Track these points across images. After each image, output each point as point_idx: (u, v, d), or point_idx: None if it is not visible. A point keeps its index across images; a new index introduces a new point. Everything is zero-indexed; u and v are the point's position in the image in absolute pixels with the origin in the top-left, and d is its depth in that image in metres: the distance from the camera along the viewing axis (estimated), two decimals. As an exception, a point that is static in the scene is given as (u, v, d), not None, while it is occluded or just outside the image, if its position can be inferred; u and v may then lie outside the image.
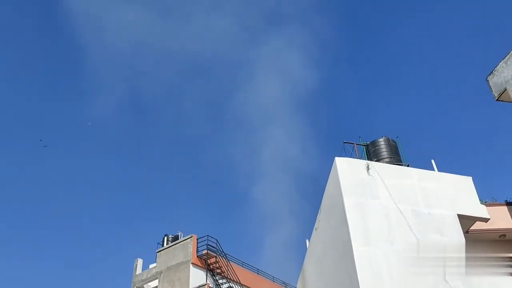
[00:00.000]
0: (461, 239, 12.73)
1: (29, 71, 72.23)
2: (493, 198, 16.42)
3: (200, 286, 23.39)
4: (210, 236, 25.73)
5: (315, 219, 17.51)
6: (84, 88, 76.52)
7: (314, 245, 17.93)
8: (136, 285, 26.98)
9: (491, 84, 12.78)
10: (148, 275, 26.62)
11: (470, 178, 14.33)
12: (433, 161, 14.96)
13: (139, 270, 27.64)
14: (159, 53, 75.12)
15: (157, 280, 25.89)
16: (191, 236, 25.61)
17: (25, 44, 72.61)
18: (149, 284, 27.19)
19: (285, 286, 31.06)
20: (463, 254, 12.46)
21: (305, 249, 21.08)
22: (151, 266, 27.38)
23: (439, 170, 14.66)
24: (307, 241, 21.09)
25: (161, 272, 25.70)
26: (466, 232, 13.46)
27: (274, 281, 30.38)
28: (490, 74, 12.75)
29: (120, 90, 78.01)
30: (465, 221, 13.40)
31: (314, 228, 17.81)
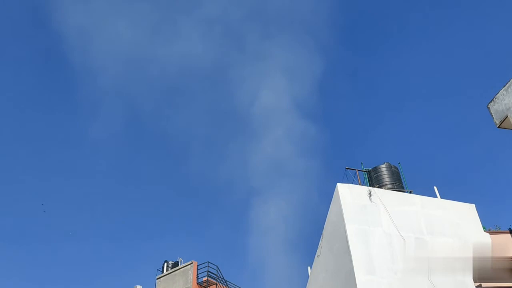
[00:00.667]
0: (466, 267, 12.58)
1: (20, 89, 72.37)
2: (496, 226, 16.32)
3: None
4: (211, 263, 25.40)
5: (317, 246, 17.33)
6: (79, 108, 76.75)
7: (316, 272, 17.67)
8: (135, 314, 26.53)
9: (492, 111, 12.81)
10: (147, 302, 26.20)
11: (473, 206, 14.26)
12: (435, 188, 14.91)
13: (138, 299, 27.23)
14: (152, 68, 75.52)
15: (155, 308, 25.45)
16: (191, 263, 25.28)
17: (17, 62, 72.97)
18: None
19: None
20: (468, 283, 12.29)
21: (307, 276, 20.78)
22: (150, 294, 26.99)
23: (441, 197, 14.61)
24: (308, 268, 20.81)
25: (160, 296, 25.30)
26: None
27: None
28: (491, 102, 12.80)
29: (115, 108, 78.20)
30: (469, 249, 13.25)
31: (316, 255, 17.59)
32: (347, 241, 12.79)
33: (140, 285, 27.87)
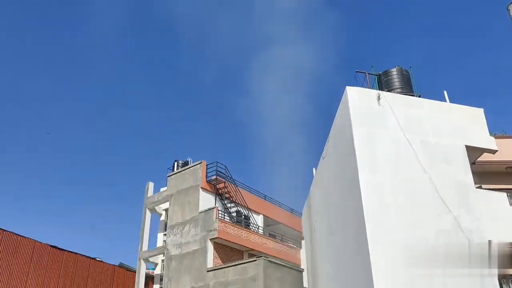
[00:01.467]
0: (468, 169, 12.87)
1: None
2: (502, 131, 16.42)
3: (209, 209, 24.19)
4: (219, 163, 26.22)
5: (323, 148, 17.67)
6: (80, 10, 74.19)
7: (321, 173, 18.23)
8: (148, 207, 27.96)
9: (511, 13, 12.28)
10: (159, 198, 27.50)
11: (481, 110, 14.19)
12: (445, 92, 14.75)
13: (150, 193, 28.52)
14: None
15: (168, 203, 26.77)
16: (201, 162, 26.09)
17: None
18: (160, 206, 28.17)
19: (292, 212, 32.06)
20: (468, 184, 12.65)
21: (311, 177, 21.49)
22: (162, 189, 28.22)
23: (451, 102, 14.51)
24: (314, 169, 21.44)
25: (171, 195, 26.50)
26: (472, 163, 13.56)
27: (280, 207, 31.33)
28: (511, 3, 12.23)
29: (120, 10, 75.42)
30: (473, 152, 13.45)
31: (321, 157, 18.01)
32: (352, 143, 12.97)
33: (152, 182, 29.08)
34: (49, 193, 67.91)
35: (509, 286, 13.63)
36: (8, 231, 21.26)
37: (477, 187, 12.92)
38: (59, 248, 23.38)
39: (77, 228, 66.76)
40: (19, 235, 21.66)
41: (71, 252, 23.99)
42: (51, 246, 23.06)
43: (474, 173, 13.08)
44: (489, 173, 14.66)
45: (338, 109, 14.96)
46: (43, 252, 22.47)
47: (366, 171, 12.52)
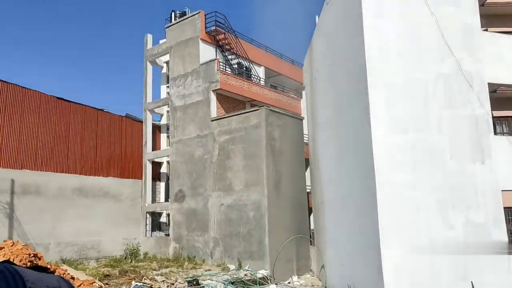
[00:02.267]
0: (476, 11, 12.47)
1: None
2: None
3: (210, 61, 24.08)
4: (218, 12, 25.30)
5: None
6: None
7: (324, 20, 17.72)
8: (149, 59, 27.80)
9: None
10: (159, 50, 27.17)
11: None
12: None
13: (149, 45, 28.09)
14: None
15: (168, 55, 26.54)
16: (199, 12, 25.17)
17: None
18: (160, 58, 28.01)
19: (292, 64, 31.96)
20: (475, 27, 12.38)
21: (314, 26, 20.95)
22: (161, 41, 27.74)
23: None
24: (316, 17, 20.80)
25: (171, 47, 26.14)
26: (481, 5, 13.08)
27: (281, 58, 31.12)
28: None
29: None
30: (483, -8, 12.91)
31: (325, 3, 17.32)
32: (358, -15, 12.36)
33: (150, 34, 28.47)
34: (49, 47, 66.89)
35: (503, 127, 14.26)
36: (13, 83, 21.49)
37: (483, 30, 12.66)
38: (65, 100, 23.87)
39: (79, 81, 67.30)
40: (24, 87, 21.94)
41: (78, 103, 24.53)
42: (57, 97, 23.51)
43: (482, 16, 12.72)
44: (498, 16, 14.23)
45: None
46: (50, 104, 23.00)
47: (370, 14, 12.15)
